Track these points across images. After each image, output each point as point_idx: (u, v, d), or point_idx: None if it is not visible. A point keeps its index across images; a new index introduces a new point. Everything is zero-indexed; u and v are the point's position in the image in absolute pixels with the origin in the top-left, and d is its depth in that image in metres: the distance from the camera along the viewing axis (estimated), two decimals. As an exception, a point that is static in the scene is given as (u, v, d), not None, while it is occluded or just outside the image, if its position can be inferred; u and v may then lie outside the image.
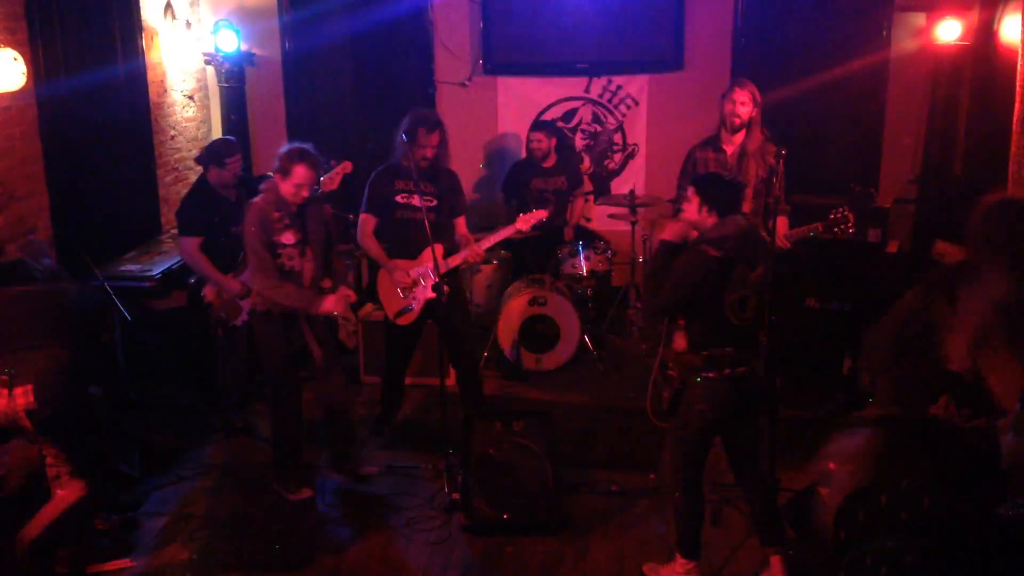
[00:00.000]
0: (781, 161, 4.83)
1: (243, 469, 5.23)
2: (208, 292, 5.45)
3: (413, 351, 5.64)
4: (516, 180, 6.89)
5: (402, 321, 5.30)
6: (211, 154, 5.37)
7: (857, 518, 1.95)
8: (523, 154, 7.45)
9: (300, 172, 4.47)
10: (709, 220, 3.84)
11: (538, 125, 7.01)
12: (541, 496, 4.49)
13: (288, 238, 4.55)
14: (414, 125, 5.08)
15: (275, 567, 4.31)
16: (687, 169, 5.57)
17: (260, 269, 4.55)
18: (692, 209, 3.89)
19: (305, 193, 4.52)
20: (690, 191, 3.93)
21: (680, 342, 3.91)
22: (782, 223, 5.37)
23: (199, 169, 5.50)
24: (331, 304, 4.62)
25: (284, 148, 4.56)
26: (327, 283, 4.84)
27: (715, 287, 3.75)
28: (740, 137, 5.41)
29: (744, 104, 5.37)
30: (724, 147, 5.46)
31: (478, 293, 6.80)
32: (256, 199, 4.57)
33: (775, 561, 3.98)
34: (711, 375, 3.81)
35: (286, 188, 4.51)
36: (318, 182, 4.59)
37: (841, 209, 5.07)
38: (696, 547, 4.02)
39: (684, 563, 4.01)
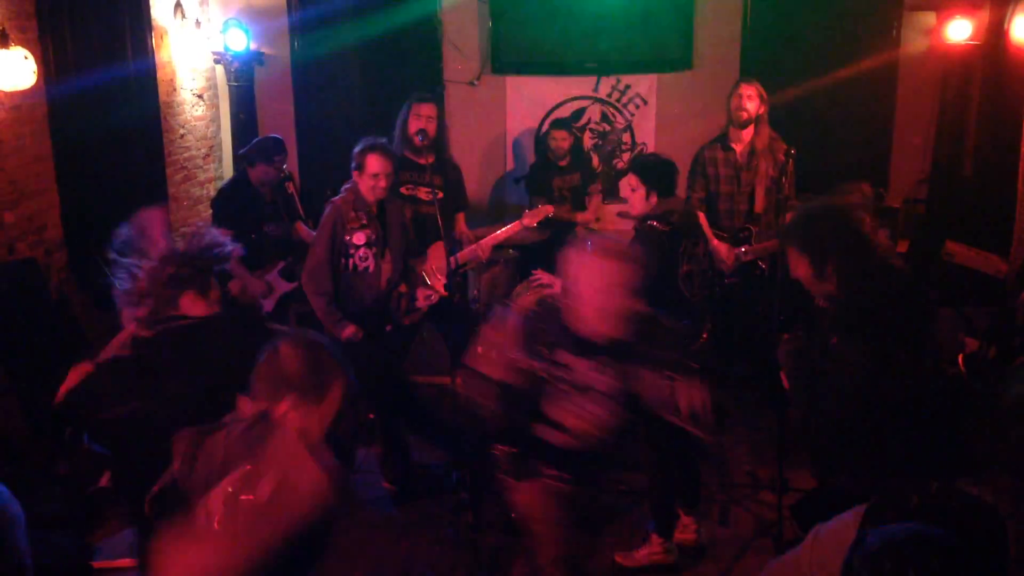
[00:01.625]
0: (791, 160, 4.83)
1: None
2: (233, 286, 5.48)
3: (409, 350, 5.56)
4: (539, 181, 6.84)
5: (408, 320, 5.26)
6: (260, 150, 5.36)
7: (887, 516, 1.95)
8: (533, 153, 7.44)
9: (373, 161, 4.43)
10: (651, 206, 4.03)
11: (559, 123, 6.96)
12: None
13: (359, 238, 4.49)
14: (407, 101, 5.10)
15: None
16: (696, 169, 5.56)
17: (311, 271, 4.49)
18: (639, 199, 4.02)
19: (382, 183, 4.46)
20: (634, 180, 4.04)
21: None
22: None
23: (208, 167, 5.53)
24: (349, 333, 4.49)
25: (357, 146, 4.53)
26: (403, 287, 4.79)
27: (668, 261, 3.92)
28: (748, 135, 5.40)
29: (751, 99, 5.36)
30: (733, 145, 5.45)
31: (485, 292, 6.79)
32: (336, 198, 4.53)
33: (689, 520, 4.26)
34: None
35: (364, 183, 4.48)
36: (392, 173, 4.53)
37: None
38: (670, 525, 4.17)
39: (661, 541, 4.16)
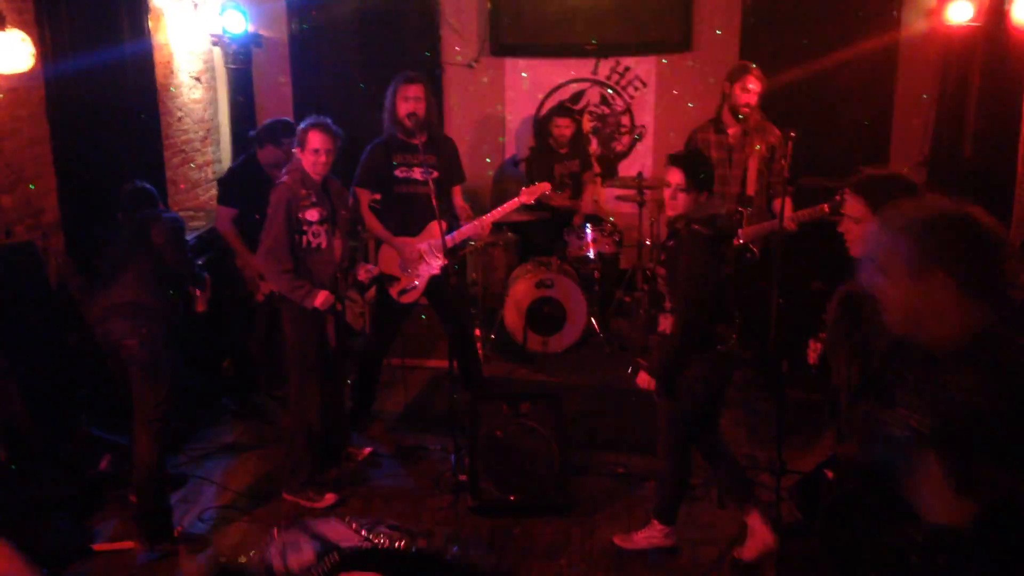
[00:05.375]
0: (790, 143, 4.80)
1: (253, 449, 5.26)
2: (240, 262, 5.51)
3: (399, 332, 5.55)
4: (540, 167, 6.83)
5: (405, 299, 5.27)
6: (270, 132, 5.40)
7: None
8: (532, 136, 7.43)
9: (314, 137, 4.48)
10: (697, 203, 3.89)
11: (562, 111, 6.95)
12: (548, 477, 4.50)
13: (313, 215, 4.53)
14: (393, 82, 5.14)
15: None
16: None
17: (271, 251, 4.52)
18: (690, 200, 3.86)
19: (322, 159, 4.50)
20: (683, 180, 3.87)
21: (665, 324, 3.97)
22: (787, 204, 5.33)
23: (206, 150, 5.54)
24: (322, 300, 4.52)
25: (302, 123, 4.59)
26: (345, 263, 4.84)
27: (715, 266, 3.84)
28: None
29: (756, 93, 5.35)
30: (727, 129, 5.42)
31: (485, 275, 6.79)
32: (284, 178, 4.57)
33: (754, 516, 4.11)
34: (706, 354, 3.90)
35: (306, 160, 4.52)
36: (336, 150, 4.58)
37: (848, 190, 5.02)
38: (675, 514, 4.18)
39: (662, 528, 4.17)
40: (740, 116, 5.37)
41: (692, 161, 3.96)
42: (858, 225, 2.95)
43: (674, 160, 3.94)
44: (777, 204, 5.27)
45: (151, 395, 4.36)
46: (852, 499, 2.66)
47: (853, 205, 2.97)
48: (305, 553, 2.14)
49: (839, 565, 2.62)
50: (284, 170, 4.64)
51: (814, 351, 3.17)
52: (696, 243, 3.81)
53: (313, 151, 4.49)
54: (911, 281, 2.02)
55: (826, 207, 5.11)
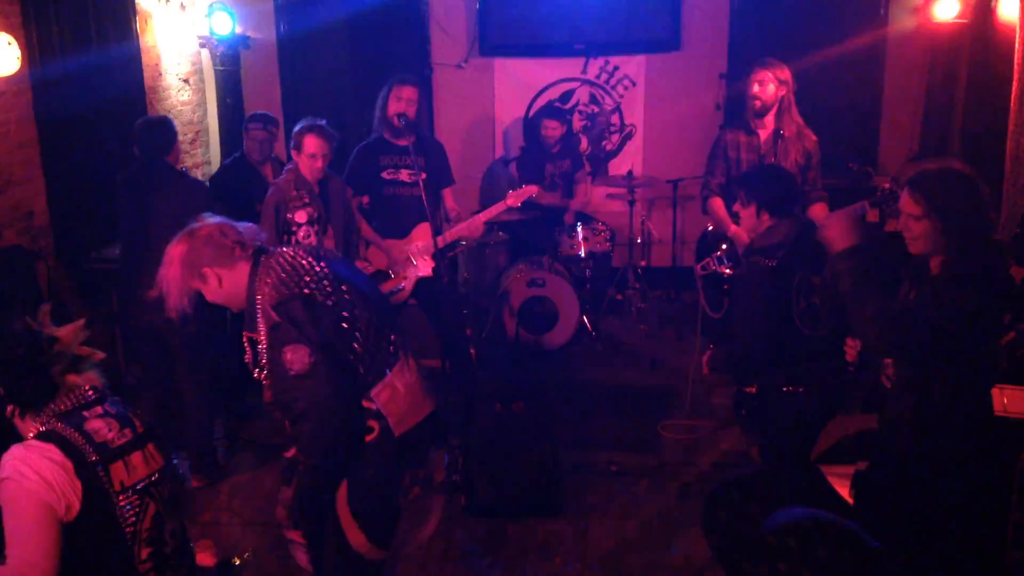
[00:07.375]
0: (816, 146, 4.73)
1: (246, 454, 5.25)
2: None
3: None
4: (530, 167, 6.83)
5: (393, 301, 5.28)
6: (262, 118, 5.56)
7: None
8: (522, 137, 7.44)
9: (310, 142, 4.51)
10: (765, 225, 3.72)
11: (551, 112, 6.94)
12: (541, 477, 4.50)
13: (302, 216, 4.56)
14: (387, 83, 5.14)
15: (278, 552, 4.33)
16: (716, 152, 5.35)
17: None
18: (749, 215, 3.75)
19: (319, 163, 4.52)
20: (742, 195, 3.76)
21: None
22: (821, 209, 5.20)
23: (195, 153, 5.55)
24: None
25: (297, 125, 4.61)
26: None
27: (779, 299, 3.56)
28: (771, 120, 5.19)
29: (764, 84, 5.13)
30: (757, 130, 5.23)
31: (476, 274, 6.80)
32: (279, 179, 4.61)
33: None
34: (787, 389, 3.65)
35: (303, 163, 4.56)
36: (329, 154, 4.60)
37: (889, 187, 4.86)
38: None
39: None
40: (752, 111, 5.19)
41: (748, 175, 3.85)
42: (918, 223, 2.89)
43: (739, 179, 3.87)
44: (811, 211, 5.07)
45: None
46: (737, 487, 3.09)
47: (910, 202, 2.89)
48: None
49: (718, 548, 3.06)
50: (284, 169, 4.66)
51: (853, 348, 3.15)
52: (749, 275, 3.63)
53: (310, 156, 4.52)
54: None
55: (867, 202, 4.81)
